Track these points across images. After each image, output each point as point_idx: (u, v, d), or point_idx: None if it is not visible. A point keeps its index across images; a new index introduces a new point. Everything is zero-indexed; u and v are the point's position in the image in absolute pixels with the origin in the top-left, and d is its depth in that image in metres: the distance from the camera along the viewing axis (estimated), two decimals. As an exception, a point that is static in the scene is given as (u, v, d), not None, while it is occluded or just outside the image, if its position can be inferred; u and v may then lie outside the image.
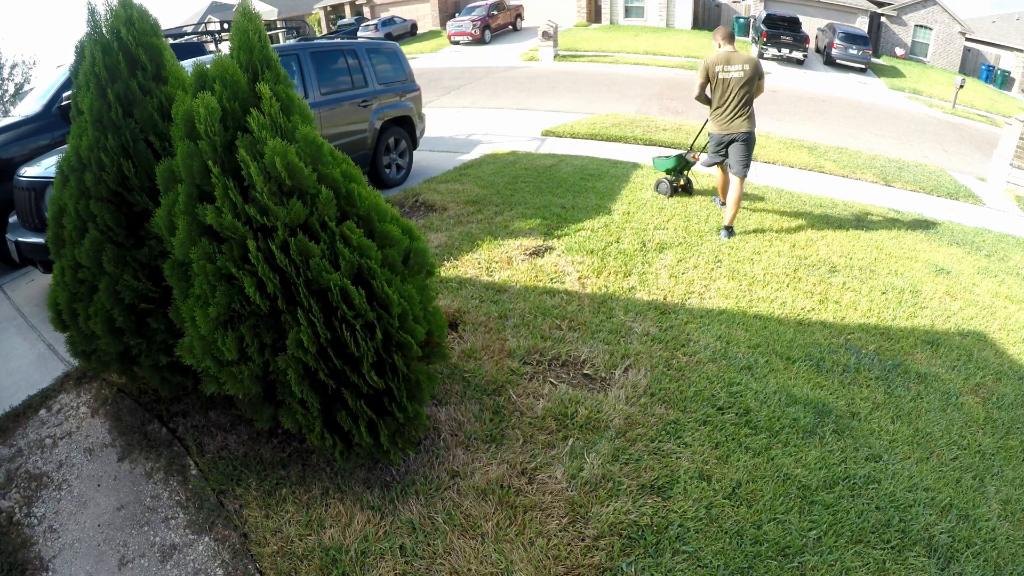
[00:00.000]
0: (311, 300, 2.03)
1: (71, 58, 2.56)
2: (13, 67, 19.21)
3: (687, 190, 6.00)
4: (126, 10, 2.42)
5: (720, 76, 4.56)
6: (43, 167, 3.89)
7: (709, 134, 4.90)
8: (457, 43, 23.53)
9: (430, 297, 2.46)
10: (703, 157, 5.28)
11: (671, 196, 5.88)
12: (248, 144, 2.01)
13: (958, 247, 5.41)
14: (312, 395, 2.09)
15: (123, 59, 2.40)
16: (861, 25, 23.82)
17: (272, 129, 2.03)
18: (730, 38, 4.67)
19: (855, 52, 19.89)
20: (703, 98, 4.78)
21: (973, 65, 25.19)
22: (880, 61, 23.06)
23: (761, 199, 5.98)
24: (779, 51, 19.77)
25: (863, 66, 20.17)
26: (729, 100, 4.63)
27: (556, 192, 5.87)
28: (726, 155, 4.84)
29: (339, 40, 6.59)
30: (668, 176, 5.92)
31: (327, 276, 2.01)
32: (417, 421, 2.28)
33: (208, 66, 2.13)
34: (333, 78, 5.76)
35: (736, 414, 2.74)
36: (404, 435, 2.29)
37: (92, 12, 2.40)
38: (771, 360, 3.20)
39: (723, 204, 5.31)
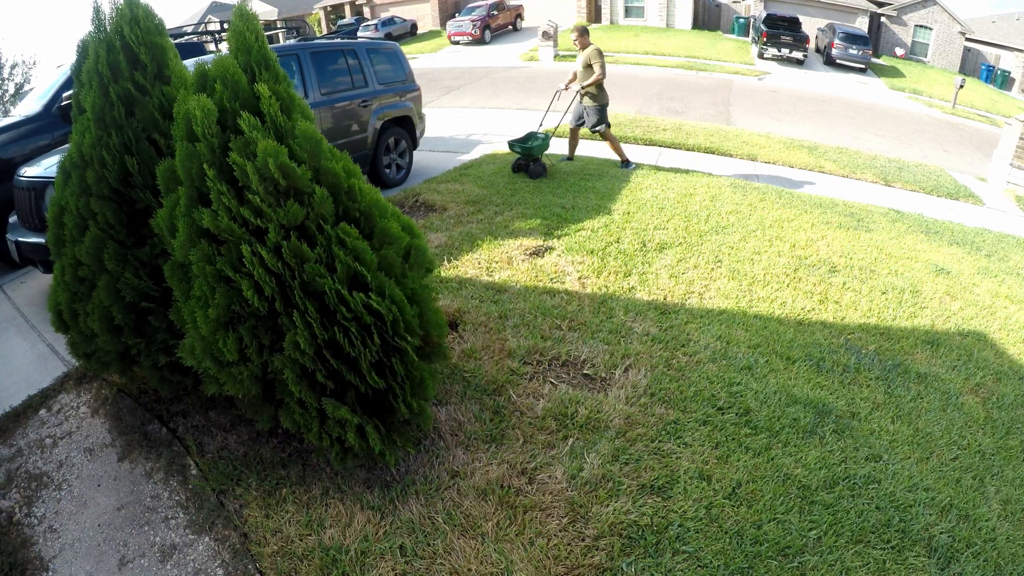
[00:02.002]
0: (307, 302, 2.03)
1: (71, 58, 2.56)
2: (13, 67, 19.22)
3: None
4: (131, 9, 2.42)
5: (606, 62, 6.44)
6: (43, 167, 3.89)
7: (600, 104, 6.53)
8: (457, 43, 23.53)
9: (430, 298, 2.45)
10: (601, 123, 6.63)
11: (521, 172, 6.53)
12: (240, 146, 2.00)
13: (958, 247, 5.41)
14: (310, 395, 2.09)
15: (124, 58, 2.40)
16: (861, 25, 23.81)
17: (265, 129, 2.02)
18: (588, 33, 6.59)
19: (855, 52, 19.88)
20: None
21: (973, 65, 25.18)
22: (880, 61, 23.05)
23: (761, 199, 5.98)
24: (779, 51, 19.75)
25: (863, 66, 20.16)
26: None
27: (556, 192, 5.88)
28: None
29: (339, 40, 6.59)
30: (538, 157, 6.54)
31: (321, 281, 2.01)
32: (422, 416, 2.28)
33: (209, 66, 2.13)
34: (333, 78, 5.76)
35: (736, 414, 2.74)
36: (405, 433, 2.29)
37: (97, 10, 2.40)
38: (771, 360, 3.20)
39: (570, 159, 7.22)
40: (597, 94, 6.53)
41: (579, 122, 6.79)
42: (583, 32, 6.55)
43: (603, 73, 6.35)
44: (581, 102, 6.63)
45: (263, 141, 1.96)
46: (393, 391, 2.16)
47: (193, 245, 2.08)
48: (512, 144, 6.52)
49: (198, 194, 2.10)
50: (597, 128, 6.65)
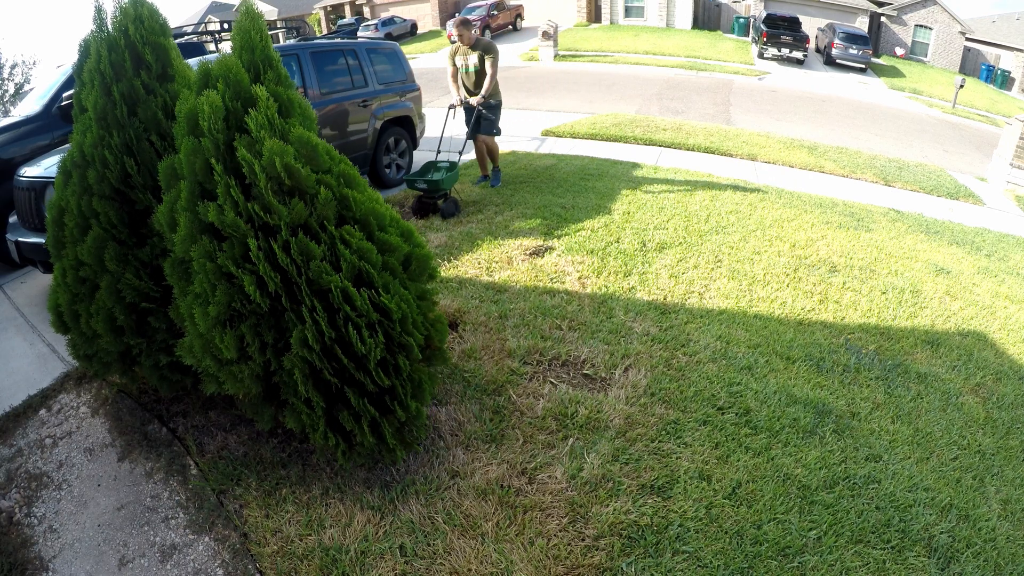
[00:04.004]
0: (314, 299, 2.03)
1: (72, 58, 2.57)
2: (13, 67, 19.21)
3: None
4: (136, 8, 2.41)
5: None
6: (43, 167, 3.89)
7: (496, 103, 5.59)
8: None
9: (431, 304, 2.46)
10: (496, 129, 5.68)
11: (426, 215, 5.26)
12: (247, 144, 2.01)
13: (958, 247, 5.41)
14: (317, 394, 2.09)
15: (129, 57, 2.40)
16: (861, 25, 23.81)
17: (270, 129, 2.03)
18: None
19: (855, 52, 19.90)
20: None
21: (973, 65, 25.18)
22: (880, 61, 23.06)
23: (761, 199, 5.98)
24: (779, 51, 19.77)
25: (863, 66, 20.17)
26: None
27: (556, 192, 5.87)
28: None
29: (339, 40, 6.59)
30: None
31: (327, 278, 2.01)
32: (419, 420, 2.29)
33: (212, 64, 2.13)
34: (333, 78, 5.76)
35: (736, 414, 2.74)
36: (405, 434, 2.29)
37: (99, 10, 2.39)
38: (771, 360, 3.20)
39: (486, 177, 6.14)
40: (499, 90, 5.69)
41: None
42: (466, 24, 5.44)
43: (496, 72, 5.39)
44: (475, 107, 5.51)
45: (269, 140, 1.97)
46: (395, 391, 2.16)
47: (194, 241, 2.08)
48: (412, 180, 5.12)
49: (200, 189, 2.10)
50: (493, 133, 5.65)
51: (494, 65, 5.36)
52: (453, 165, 5.30)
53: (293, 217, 2.02)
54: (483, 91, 5.39)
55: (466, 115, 5.68)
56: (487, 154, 5.95)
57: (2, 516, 2.37)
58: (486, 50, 5.39)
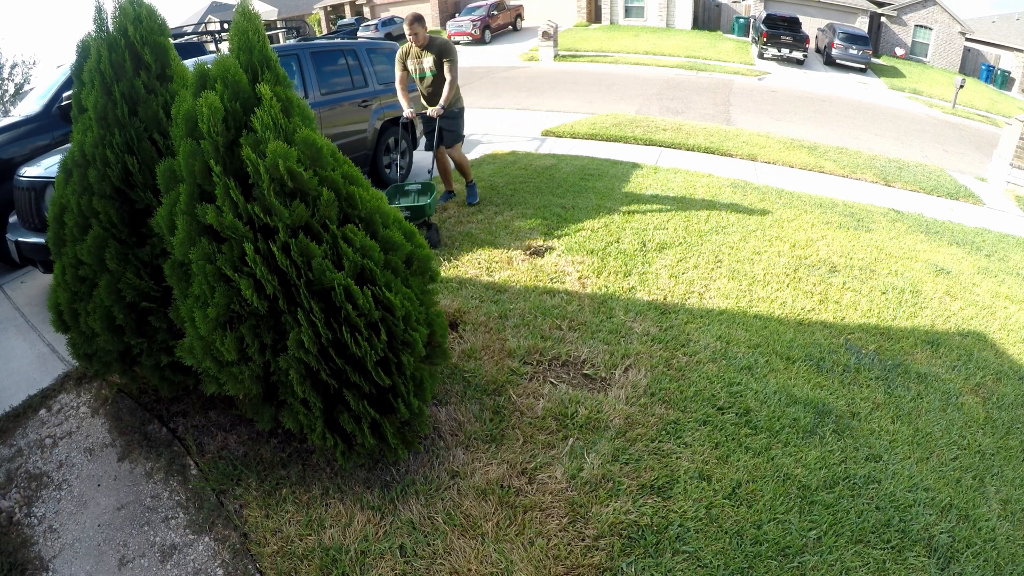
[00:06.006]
0: (311, 301, 2.03)
1: (72, 58, 2.56)
2: (13, 67, 19.22)
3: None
4: (134, 8, 2.42)
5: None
6: (43, 167, 3.89)
7: (458, 110, 4.99)
8: (457, 43, 23.53)
9: (432, 301, 2.47)
10: (460, 139, 5.11)
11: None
12: (252, 143, 2.01)
13: (958, 247, 5.41)
14: (314, 395, 2.09)
15: (129, 57, 2.40)
16: (861, 25, 23.82)
17: (275, 130, 2.03)
18: None
19: (855, 52, 19.91)
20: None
21: (973, 65, 25.19)
22: (880, 61, 23.06)
23: (761, 199, 5.98)
24: (779, 51, 19.78)
25: (863, 66, 20.18)
26: None
27: (556, 192, 5.87)
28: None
29: (339, 40, 6.59)
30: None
31: (330, 276, 2.01)
32: (421, 418, 2.29)
33: (210, 66, 2.13)
34: (333, 78, 5.76)
35: (736, 414, 2.74)
36: (407, 433, 2.29)
37: (99, 9, 2.39)
38: (771, 360, 3.20)
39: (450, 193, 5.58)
40: (460, 95, 5.04)
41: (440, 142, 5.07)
42: (420, 22, 4.65)
43: (456, 77, 4.71)
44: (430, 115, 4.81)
45: (273, 142, 1.97)
46: (397, 389, 2.16)
47: (193, 243, 2.08)
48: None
49: (200, 191, 2.10)
50: (457, 143, 5.05)
51: (453, 70, 4.68)
52: (429, 186, 4.69)
53: (294, 219, 2.02)
54: (443, 100, 4.69)
55: (424, 126, 5.06)
56: (458, 169, 5.35)
57: (2, 516, 2.37)
58: (442, 52, 4.66)
